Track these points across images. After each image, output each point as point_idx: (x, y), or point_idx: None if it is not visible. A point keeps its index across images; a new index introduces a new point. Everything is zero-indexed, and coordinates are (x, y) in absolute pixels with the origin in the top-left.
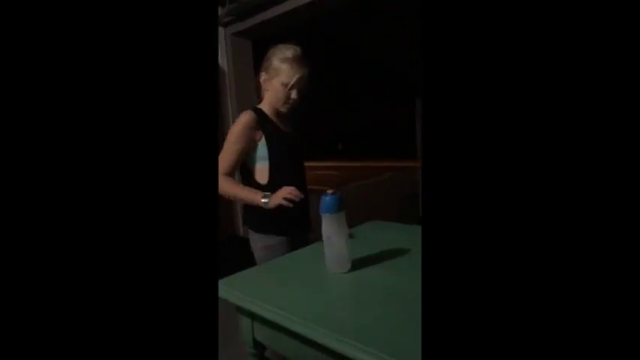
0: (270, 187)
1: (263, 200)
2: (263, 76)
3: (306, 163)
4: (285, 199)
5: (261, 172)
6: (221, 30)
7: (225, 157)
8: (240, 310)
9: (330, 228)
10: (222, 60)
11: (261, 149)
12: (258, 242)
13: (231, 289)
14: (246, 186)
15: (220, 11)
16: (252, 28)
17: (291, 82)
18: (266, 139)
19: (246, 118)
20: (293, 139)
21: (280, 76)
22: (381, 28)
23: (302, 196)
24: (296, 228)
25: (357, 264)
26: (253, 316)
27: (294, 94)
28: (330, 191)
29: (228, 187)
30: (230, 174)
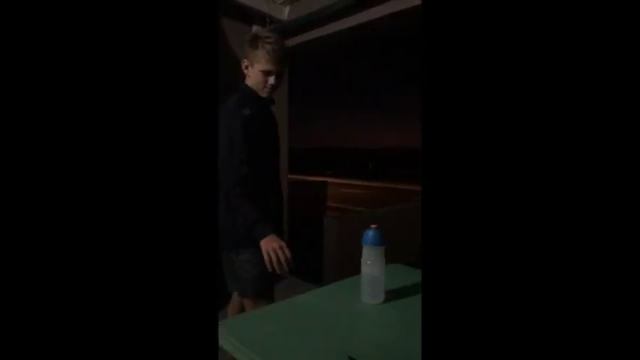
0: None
1: None
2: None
3: (334, 180)
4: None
5: None
6: None
7: None
8: None
9: (368, 259)
10: None
11: None
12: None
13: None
14: None
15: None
16: (292, 49)
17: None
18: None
19: None
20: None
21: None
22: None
23: None
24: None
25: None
26: None
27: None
28: (373, 225)
29: None
30: None
